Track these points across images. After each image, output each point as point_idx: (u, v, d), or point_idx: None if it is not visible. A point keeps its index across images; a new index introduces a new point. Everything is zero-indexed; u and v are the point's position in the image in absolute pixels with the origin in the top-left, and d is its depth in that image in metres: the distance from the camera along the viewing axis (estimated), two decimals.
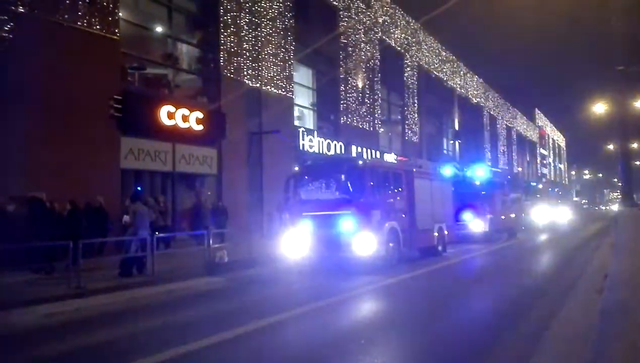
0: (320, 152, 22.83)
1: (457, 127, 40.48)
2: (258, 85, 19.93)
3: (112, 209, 13.27)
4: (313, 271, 12.00)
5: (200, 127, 16.88)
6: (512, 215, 24.00)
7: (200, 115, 16.90)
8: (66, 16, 13.32)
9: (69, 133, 13.18)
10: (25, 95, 12.55)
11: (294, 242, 12.22)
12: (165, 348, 5.66)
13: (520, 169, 57.51)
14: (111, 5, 14.53)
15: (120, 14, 14.97)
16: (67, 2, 13.34)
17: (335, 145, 23.81)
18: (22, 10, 12.32)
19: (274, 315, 7.22)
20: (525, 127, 62.23)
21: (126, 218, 11.24)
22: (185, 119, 16.41)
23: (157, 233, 11.73)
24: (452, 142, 39.88)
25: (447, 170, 18.23)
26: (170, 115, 15.97)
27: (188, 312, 8.02)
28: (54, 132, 12.97)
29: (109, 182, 14.08)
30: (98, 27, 14.12)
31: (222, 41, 18.47)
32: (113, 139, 14.57)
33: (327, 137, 23.61)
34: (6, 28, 11.69)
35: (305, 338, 6.45)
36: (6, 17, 11.68)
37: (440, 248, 15.20)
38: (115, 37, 14.62)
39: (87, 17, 13.81)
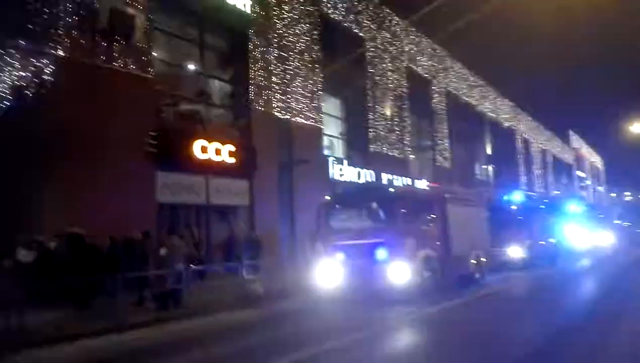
0: (351, 180, 22.83)
1: (489, 152, 39.92)
2: (287, 116, 20.23)
3: (150, 243, 13.49)
4: (347, 301, 11.85)
5: (232, 160, 17.16)
6: (552, 241, 23.27)
7: (232, 148, 17.21)
8: (103, 58, 13.93)
9: (107, 169, 13.57)
10: (65, 134, 13.08)
11: (327, 272, 12.14)
12: None
13: (557, 193, 56.06)
14: (145, 46, 15.13)
15: (154, 53, 15.56)
16: (104, 44, 13.97)
17: (365, 173, 23.79)
18: (62, 54, 12.96)
19: (311, 347, 7.13)
20: (560, 149, 60.89)
21: (162, 251, 11.41)
22: (217, 152, 16.73)
23: (192, 265, 11.83)
24: (484, 167, 39.30)
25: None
26: (204, 149, 16.32)
27: (224, 345, 8.00)
28: (93, 169, 13.38)
29: (146, 216, 14.35)
30: (133, 67, 14.69)
31: (252, 76, 18.91)
32: (149, 173, 14.93)
33: (357, 166, 23.64)
34: (47, 71, 12.25)
35: None
36: (47, 61, 12.27)
37: (477, 276, 14.81)
38: (149, 76, 15.17)
39: (122, 58, 14.40)
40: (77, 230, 11.50)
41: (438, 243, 13.11)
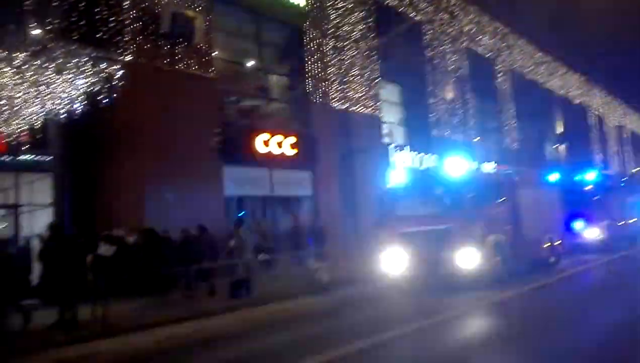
0: (413, 167, 22.48)
1: (559, 130, 37.91)
2: (346, 106, 20.20)
3: (219, 235, 14.02)
4: (414, 289, 11.72)
5: (293, 152, 17.42)
6: (633, 221, 21.80)
7: (293, 140, 17.46)
8: (166, 61, 14.54)
9: (177, 166, 14.23)
10: (136, 136, 13.82)
11: (393, 260, 12.04)
12: None
13: (637, 170, 52.36)
14: (206, 46, 15.61)
15: (214, 53, 16.04)
16: (167, 47, 14.56)
17: (428, 158, 23.34)
18: (129, 58, 13.63)
19: (379, 334, 7.12)
20: (638, 124, 56.78)
21: (232, 242, 11.79)
22: (279, 145, 17.04)
23: (260, 255, 12.14)
24: (555, 146, 37.38)
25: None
26: (266, 143, 16.69)
27: (293, 332, 8.16)
28: (164, 166, 14.06)
29: (214, 209, 14.96)
30: (196, 67, 15.22)
31: (309, 68, 19.04)
32: (216, 168, 15.52)
33: (419, 151, 23.24)
34: (117, 76, 12.89)
35: (414, 358, 6.26)
36: (117, 66, 12.92)
37: (552, 259, 14.16)
38: (211, 75, 15.66)
39: (185, 60, 14.96)
40: (148, 226, 12.12)
41: (508, 227, 12.62)
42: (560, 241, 14.89)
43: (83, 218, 13.31)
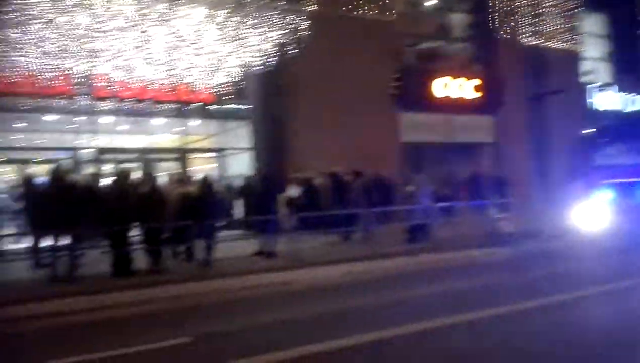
0: (618, 109, 19.59)
1: None
2: (537, 42, 18.24)
3: (395, 180, 14.25)
4: (614, 246, 10.47)
5: (476, 95, 16.54)
6: None
7: (475, 83, 16.54)
8: (347, 7, 14.72)
9: (356, 113, 14.65)
10: (317, 83, 14.51)
11: (590, 214, 10.89)
12: (455, 312, 5.81)
13: None
14: None
15: None
16: None
17: (637, 99, 20.07)
18: (312, 8, 14.09)
19: (565, 293, 6.59)
20: None
21: (409, 188, 11.88)
22: (460, 88, 16.34)
23: (438, 202, 12.03)
24: None
25: None
26: (446, 87, 16.13)
27: (469, 280, 8.02)
28: (345, 114, 14.59)
29: (392, 155, 15.16)
30: (373, 12, 15.13)
31: (493, 2, 17.49)
32: (394, 115, 15.58)
33: (627, 91, 20.08)
34: (303, 27, 13.53)
35: (606, 320, 5.66)
36: (303, 17, 13.54)
37: None
38: (389, 19, 15.45)
39: (362, 6, 14.95)
40: (334, 169, 12.82)
41: None
42: None
43: (276, 161, 14.65)
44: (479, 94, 16.53)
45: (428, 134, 16.57)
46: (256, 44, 11.41)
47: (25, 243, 10.86)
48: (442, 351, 4.70)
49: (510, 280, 8.02)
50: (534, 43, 18.17)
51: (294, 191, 12.64)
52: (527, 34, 18.04)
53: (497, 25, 17.51)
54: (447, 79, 16.13)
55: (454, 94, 16.29)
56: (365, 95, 14.85)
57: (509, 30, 17.67)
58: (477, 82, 16.52)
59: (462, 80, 16.33)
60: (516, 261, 9.92)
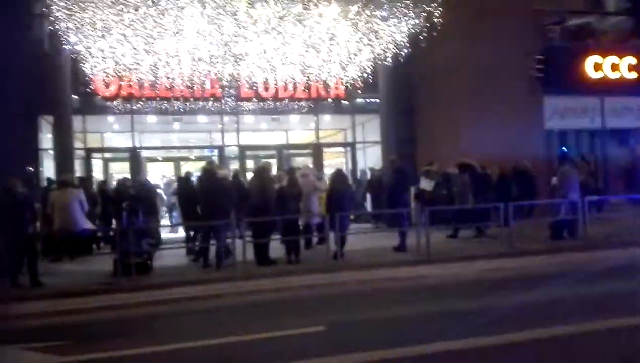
0: None
1: None
2: None
3: (538, 172, 13.27)
4: None
5: (633, 75, 14.68)
6: None
7: (632, 61, 14.68)
8: None
9: (492, 100, 13.89)
10: (451, 70, 14.04)
11: None
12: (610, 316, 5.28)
13: None
14: None
15: None
16: None
17: None
18: None
19: None
20: None
21: (554, 180, 10.98)
22: (614, 68, 14.66)
23: (587, 196, 10.95)
24: None
25: None
26: (597, 67, 14.59)
27: (635, 281, 7.18)
28: (481, 100, 13.93)
29: (533, 144, 14.15)
30: None
31: None
32: (536, 99, 14.51)
33: None
34: (435, 13, 13.08)
35: None
36: (435, 4, 13.10)
37: None
38: None
39: None
40: (467, 160, 12.32)
41: None
42: None
43: (407, 154, 14.55)
44: (635, 74, 14.63)
45: (575, 119, 15.17)
46: (388, 35, 11.36)
47: (181, 233, 12.22)
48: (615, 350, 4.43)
49: None
50: None
51: (425, 184, 12.44)
52: None
53: None
54: (598, 58, 14.52)
55: (607, 74, 14.64)
56: (503, 80, 13.98)
57: None
58: (634, 60, 14.64)
59: (616, 58, 14.57)
60: None
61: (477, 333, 4.96)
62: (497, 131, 13.72)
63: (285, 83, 14.28)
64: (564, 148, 14.57)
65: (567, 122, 15.11)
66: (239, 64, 11.62)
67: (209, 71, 11.86)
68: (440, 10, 11.20)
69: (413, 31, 11.25)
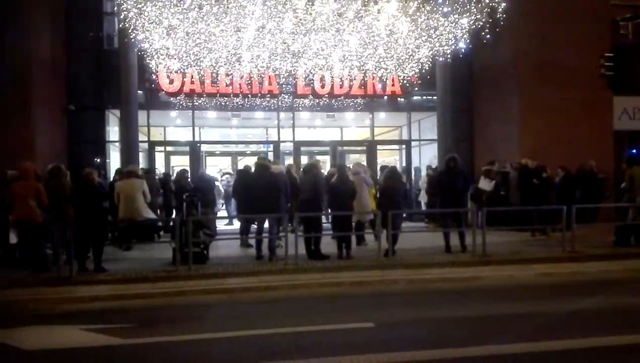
0: None
1: None
2: None
3: (606, 174, 12.66)
4: None
5: None
6: None
7: None
8: None
9: (557, 99, 13.42)
10: (516, 66, 13.60)
11: None
12: None
13: None
14: None
15: None
16: None
17: None
18: None
19: None
20: None
21: (624, 184, 10.39)
22: None
23: None
24: None
25: None
26: None
27: None
28: (543, 100, 13.43)
29: (601, 145, 13.52)
30: None
31: None
32: (605, 99, 13.84)
33: None
34: (498, 9, 12.67)
35: None
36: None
37: None
38: None
39: None
40: (524, 161, 11.89)
41: None
42: None
43: (464, 153, 14.22)
44: None
45: None
46: (447, 32, 11.11)
47: (236, 225, 12.51)
48: None
49: None
50: None
51: (484, 184, 12.12)
52: None
53: None
54: None
55: None
56: (569, 79, 13.44)
57: None
58: None
59: None
60: None
61: (523, 338, 4.82)
62: (561, 131, 13.22)
63: (342, 80, 14.32)
64: (633, 150, 13.78)
65: (637, 123, 14.28)
66: (297, 61, 11.74)
67: (268, 68, 12.06)
68: (504, 4, 10.82)
69: (474, 27, 10.94)
